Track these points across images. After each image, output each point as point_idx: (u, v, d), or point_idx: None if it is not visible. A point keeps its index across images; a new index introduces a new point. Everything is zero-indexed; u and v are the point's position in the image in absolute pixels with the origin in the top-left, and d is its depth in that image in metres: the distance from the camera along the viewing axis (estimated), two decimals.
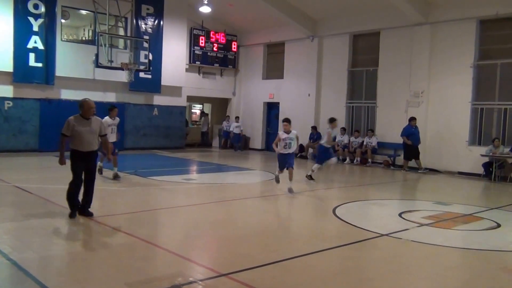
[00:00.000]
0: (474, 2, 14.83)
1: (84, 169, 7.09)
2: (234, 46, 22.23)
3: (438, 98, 15.75)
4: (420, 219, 8.05)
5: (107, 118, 10.59)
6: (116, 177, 10.95)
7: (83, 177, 7.11)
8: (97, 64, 16.74)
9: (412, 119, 15.44)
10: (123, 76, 17.58)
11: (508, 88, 14.50)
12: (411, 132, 15.34)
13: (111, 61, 16.74)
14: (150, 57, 18.29)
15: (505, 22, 14.57)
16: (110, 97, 18.20)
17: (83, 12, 18.04)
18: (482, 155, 14.23)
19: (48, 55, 16.60)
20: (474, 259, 6.09)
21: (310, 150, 18.78)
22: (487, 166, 14.29)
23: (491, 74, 14.89)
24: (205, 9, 19.16)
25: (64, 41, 17.28)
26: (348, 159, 17.50)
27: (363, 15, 17.54)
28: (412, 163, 15.69)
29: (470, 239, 7.15)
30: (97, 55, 16.65)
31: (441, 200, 10.22)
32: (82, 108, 7.09)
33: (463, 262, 6.07)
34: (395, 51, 16.92)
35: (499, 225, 7.82)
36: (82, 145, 6.98)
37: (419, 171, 15.31)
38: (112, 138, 10.58)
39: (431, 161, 15.73)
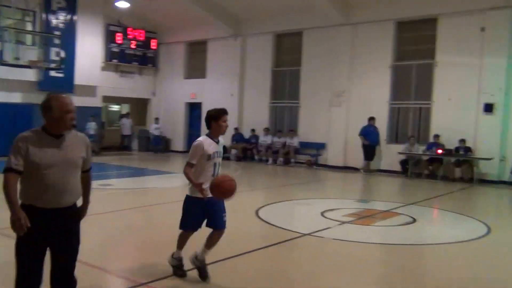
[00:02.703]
0: (391, 4, 15.27)
1: (47, 250, 3.29)
2: (154, 44, 21.41)
3: (358, 98, 16.07)
4: (341, 217, 8.05)
5: (204, 139, 4.64)
6: (203, 274, 4.78)
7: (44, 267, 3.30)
8: (1, 62, 15.28)
9: (371, 118, 15.31)
10: (31, 75, 16.31)
11: (423, 88, 15.07)
12: (368, 132, 15.25)
13: (17, 59, 15.40)
14: (62, 55, 17.03)
15: (420, 24, 15.15)
16: (16, 98, 16.70)
17: None
18: (399, 153, 14.71)
19: None
20: (391, 254, 6.23)
21: (234, 151, 18.52)
22: (404, 163, 14.80)
23: (407, 75, 15.44)
24: (122, 4, 18.29)
25: None
26: (271, 159, 17.42)
27: (286, 15, 17.53)
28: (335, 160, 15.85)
29: (388, 234, 7.32)
30: (1, 52, 15.29)
31: (361, 198, 10.33)
32: (49, 112, 3.24)
33: (382, 257, 6.18)
34: (317, 51, 17.07)
35: (414, 220, 8.01)
36: (44, 194, 3.20)
37: (365, 172, 15.15)
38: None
39: (353, 159, 16.01)
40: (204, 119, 4.68)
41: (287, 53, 18.40)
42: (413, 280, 5.11)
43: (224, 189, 4.21)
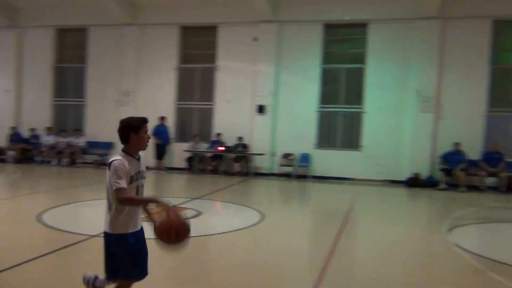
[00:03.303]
0: (176, 9, 16.00)
1: None
2: None
3: (146, 98, 16.39)
4: None
5: (123, 156, 3.49)
6: None
7: None
8: None
9: (162, 118, 15.51)
10: None
11: (206, 90, 16.21)
12: (160, 131, 15.35)
13: None
14: None
15: (203, 30, 16.23)
16: None
17: None
18: (185, 151, 15.59)
19: None
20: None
21: (11, 153, 16.86)
22: (190, 160, 15.74)
23: (192, 77, 16.40)
24: None
25: None
26: (56, 160, 16.43)
27: (69, 9, 16.75)
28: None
29: None
30: None
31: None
32: None
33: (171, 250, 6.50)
34: (104, 50, 16.78)
35: (200, 213, 8.63)
36: None
37: (159, 170, 15.33)
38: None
39: (144, 158, 16.23)
40: (119, 132, 3.51)
41: (71, 49, 17.59)
42: (199, 268, 5.55)
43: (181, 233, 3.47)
